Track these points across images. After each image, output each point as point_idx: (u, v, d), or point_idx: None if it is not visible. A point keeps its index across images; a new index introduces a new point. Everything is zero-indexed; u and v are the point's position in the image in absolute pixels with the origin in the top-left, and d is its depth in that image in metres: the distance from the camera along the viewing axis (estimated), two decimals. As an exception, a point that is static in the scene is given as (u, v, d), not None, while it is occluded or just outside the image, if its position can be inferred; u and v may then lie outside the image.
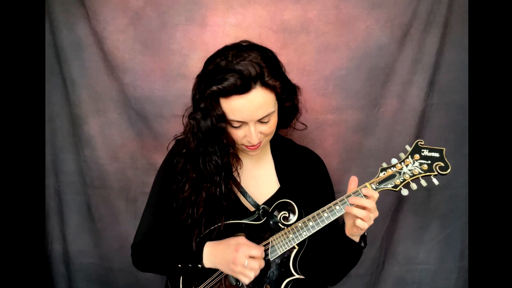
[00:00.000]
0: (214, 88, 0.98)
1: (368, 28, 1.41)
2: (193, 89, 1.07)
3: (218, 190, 1.09)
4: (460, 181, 1.50)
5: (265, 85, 0.99)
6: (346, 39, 1.42)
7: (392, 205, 1.55)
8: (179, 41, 1.44)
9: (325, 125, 1.48)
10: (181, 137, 1.16)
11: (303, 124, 1.22)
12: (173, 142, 1.20)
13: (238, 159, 1.15)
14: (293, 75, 1.44)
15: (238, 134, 1.05)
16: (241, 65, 0.97)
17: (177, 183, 1.13)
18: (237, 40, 1.41)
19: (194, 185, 1.10)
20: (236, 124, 1.03)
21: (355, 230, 1.03)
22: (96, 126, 1.54)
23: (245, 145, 1.07)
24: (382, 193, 1.53)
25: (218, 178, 1.09)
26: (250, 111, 1.00)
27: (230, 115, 1.01)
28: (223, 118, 1.02)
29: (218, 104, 1.01)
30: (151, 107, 1.49)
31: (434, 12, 1.39)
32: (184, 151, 1.12)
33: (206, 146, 1.07)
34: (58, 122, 1.58)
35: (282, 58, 1.43)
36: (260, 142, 1.07)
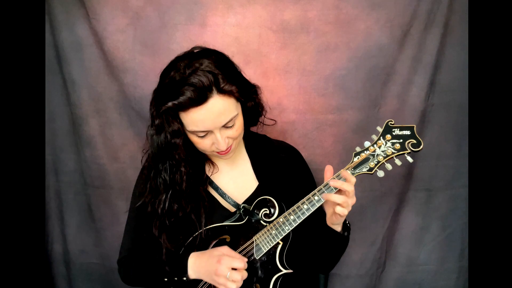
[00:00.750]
0: (170, 104, 0.97)
1: (368, 28, 1.41)
2: (150, 105, 1.06)
3: (161, 207, 1.09)
4: (460, 181, 1.50)
5: (222, 91, 0.97)
6: (346, 39, 1.42)
7: (393, 206, 1.55)
8: (179, 41, 1.44)
9: (325, 125, 1.48)
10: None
11: (272, 119, 1.22)
12: (146, 156, 1.19)
13: (213, 164, 1.16)
14: (293, 75, 1.46)
15: (205, 143, 1.04)
16: (194, 76, 0.95)
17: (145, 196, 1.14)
18: (237, 40, 1.43)
19: (151, 199, 1.11)
20: (201, 134, 1.02)
21: (334, 218, 1.03)
22: (96, 126, 1.54)
23: (216, 152, 1.06)
24: (383, 194, 1.55)
25: (164, 196, 1.09)
26: (212, 120, 0.99)
27: (193, 127, 1.00)
28: (178, 133, 1.02)
29: (175, 120, 1.01)
30: (151, 107, 1.49)
31: (434, 12, 1.39)
32: (146, 164, 1.14)
33: (157, 162, 1.08)
34: (58, 122, 1.58)
35: (282, 58, 1.45)
36: (230, 147, 1.06)
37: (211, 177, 1.16)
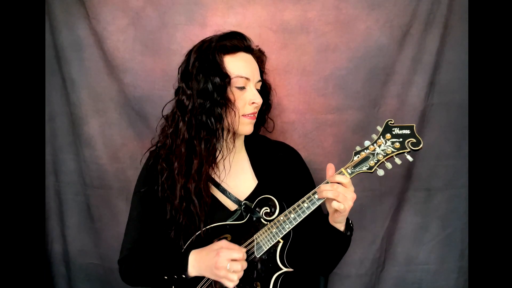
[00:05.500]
0: (227, 42, 1.07)
1: (368, 29, 1.41)
2: (184, 63, 1.11)
3: (207, 146, 1.08)
4: (460, 181, 1.50)
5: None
6: (346, 39, 1.42)
7: (392, 205, 1.55)
8: (179, 41, 1.44)
9: (325, 125, 1.48)
10: (153, 149, 1.20)
11: (270, 119, 1.30)
12: (146, 155, 1.19)
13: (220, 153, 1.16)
14: (293, 75, 1.46)
15: (242, 97, 1.08)
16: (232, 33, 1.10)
17: (155, 189, 1.14)
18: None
19: (169, 180, 1.11)
20: (241, 84, 1.08)
21: (336, 215, 1.03)
22: (96, 126, 1.54)
23: (246, 114, 1.10)
24: (382, 194, 1.55)
25: (218, 132, 1.08)
26: (254, 68, 1.11)
27: (237, 71, 1.07)
28: (228, 76, 1.07)
29: (223, 63, 1.06)
30: (151, 107, 1.49)
31: (434, 12, 1.39)
32: (161, 153, 1.14)
33: (212, 106, 1.06)
34: (58, 122, 1.58)
35: (282, 58, 1.45)
36: (255, 114, 1.13)
37: (212, 175, 1.16)
